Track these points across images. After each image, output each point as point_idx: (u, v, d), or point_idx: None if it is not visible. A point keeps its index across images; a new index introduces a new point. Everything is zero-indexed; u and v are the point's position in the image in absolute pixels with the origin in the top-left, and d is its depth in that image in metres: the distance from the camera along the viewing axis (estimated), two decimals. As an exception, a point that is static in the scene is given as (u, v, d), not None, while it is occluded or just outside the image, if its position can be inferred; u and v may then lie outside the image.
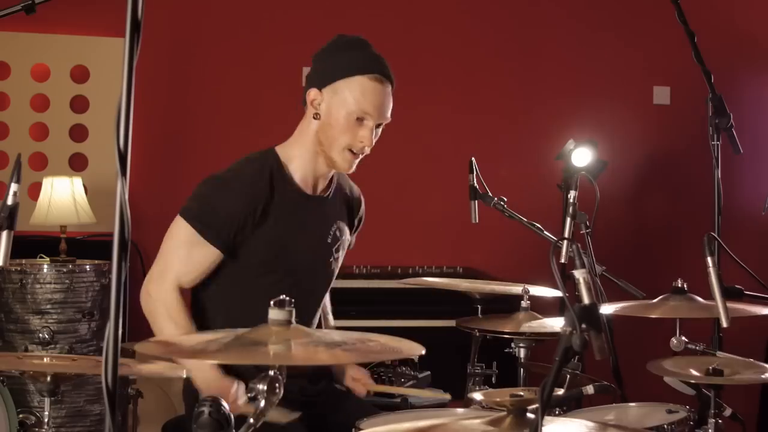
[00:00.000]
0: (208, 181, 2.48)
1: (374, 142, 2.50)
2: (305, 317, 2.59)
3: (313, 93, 2.48)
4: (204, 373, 2.37)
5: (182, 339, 1.70)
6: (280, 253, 2.48)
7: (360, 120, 2.46)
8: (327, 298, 2.78)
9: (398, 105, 5.04)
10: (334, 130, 2.46)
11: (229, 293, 2.50)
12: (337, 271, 2.69)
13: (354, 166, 2.53)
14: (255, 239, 2.45)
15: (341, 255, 2.69)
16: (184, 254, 2.42)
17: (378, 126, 2.50)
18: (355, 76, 2.45)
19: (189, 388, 2.56)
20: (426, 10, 4.86)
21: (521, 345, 2.64)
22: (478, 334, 2.68)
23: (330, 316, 2.84)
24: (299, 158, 2.52)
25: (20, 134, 4.47)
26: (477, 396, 1.99)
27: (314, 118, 2.49)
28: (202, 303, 2.54)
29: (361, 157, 2.52)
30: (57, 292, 3.64)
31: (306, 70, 4.91)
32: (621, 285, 3.00)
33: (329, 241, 2.61)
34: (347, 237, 2.70)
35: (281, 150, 2.55)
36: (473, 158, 2.96)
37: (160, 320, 2.41)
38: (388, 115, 2.51)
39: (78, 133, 4.55)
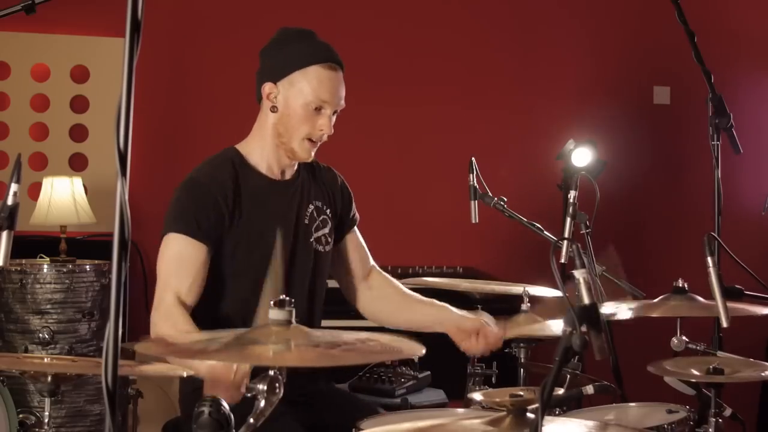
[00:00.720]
0: (175, 191, 2.51)
1: (332, 129, 2.53)
2: (300, 302, 2.58)
3: (268, 87, 2.51)
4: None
5: (182, 338, 1.70)
6: (258, 239, 2.48)
7: (318, 109, 2.49)
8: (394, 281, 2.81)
9: (398, 105, 5.06)
10: (292, 120, 2.50)
11: (220, 293, 2.49)
12: (330, 252, 2.68)
13: (313, 154, 2.55)
14: (234, 230, 2.46)
15: (328, 233, 2.66)
16: (176, 265, 2.40)
17: (334, 113, 2.53)
18: (310, 66, 2.48)
19: (185, 389, 2.56)
20: (426, 10, 4.86)
21: (521, 345, 2.64)
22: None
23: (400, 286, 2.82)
24: (260, 151, 2.56)
25: (20, 134, 4.46)
26: (477, 396, 1.99)
27: (271, 111, 2.52)
28: (198, 312, 2.47)
29: (319, 144, 2.55)
30: (57, 292, 3.64)
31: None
32: (621, 285, 3.00)
33: (306, 222, 2.60)
34: (331, 215, 2.68)
35: (241, 147, 2.59)
36: (473, 158, 2.96)
37: (163, 334, 2.31)
38: (343, 101, 2.54)
39: (78, 133, 4.55)
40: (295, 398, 2.42)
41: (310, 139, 2.51)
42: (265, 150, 2.56)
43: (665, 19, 3.18)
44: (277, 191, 2.57)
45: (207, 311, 2.46)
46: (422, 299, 2.76)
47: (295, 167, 2.63)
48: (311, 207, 2.63)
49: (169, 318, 2.34)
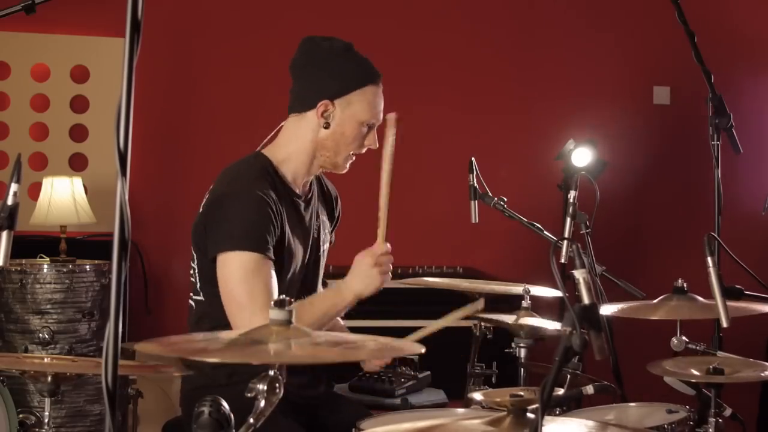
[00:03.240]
0: (225, 203, 2.43)
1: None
2: None
3: (324, 104, 2.49)
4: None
5: (181, 338, 1.70)
6: (287, 253, 2.49)
7: (368, 127, 2.54)
8: None
9: (398, 105, 5.04)
10: (347, 138, 2.51)
11: None
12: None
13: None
14: (278, 245, 2.45)
15: (326, 251, 2.71)
16: (256, 282, 2.35)
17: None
18: (366, 86, 2.51)
19: (186, 389, 2.56)
20: (426, 11, 4.86)
21: (521, 345, 2.64)
22: (478, 333, 2.68)
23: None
24: (293, 161, 2.54)
25: (20, 134, 4.46)
26: (477, 396, 1.99)
27: (324, 127, 2.51)
28: (218, 316, 2.46)
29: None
30: (57, 292, 3.64)
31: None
32: (621, 285, 3.00)
33: (316, 236, 2.64)
34: (329, 232, 2.73)
35: (270, 153, 2.56)
36: (473, 158, 2.96)
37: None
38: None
39: (78, 133, 4.55)
40: (296, 399, 2.43)
41: (353, 155, 2.57)
42: (298, 161, 2.55)
43: (665, 19, 3.18)
44: (301, 206, 2.58)
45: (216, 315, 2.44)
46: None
47: (311, 180, 2.64)
48: (320, 221, 2.66)
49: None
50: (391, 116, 2.48)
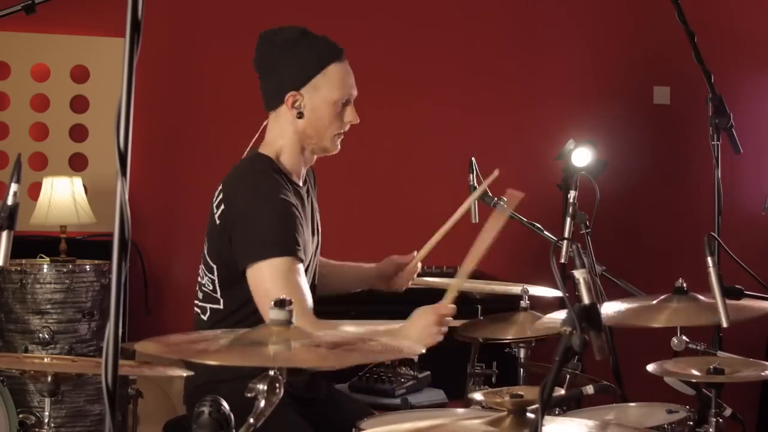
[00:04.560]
0: (251, 212, 2.42)
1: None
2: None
3: (291, 96, 2.51)
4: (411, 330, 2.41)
5: (181, 338, 1.70)
6: (305, 246, 2.50)
7: (344, 104, 2.55)
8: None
9: (399, 105, 5.06)
10: (324, 121, 2.53)
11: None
12: None
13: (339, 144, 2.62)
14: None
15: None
16: (294, 285, 2.35)
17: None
18: (328, 66, 2.52)
19: (190, 389, 2.56)
20: (425, 10, 4.86)
21: (521, 345, 2.64)
22: (482, 341, 2.69)
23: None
24: (287, 155, 2.56)
25: (20, 134, 4.46)
26: (477, 396, 1.99)
27: (298, 118, 2.52)
28: (241, 317, 2.48)
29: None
30: (57, 292, 3.64)
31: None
32: (621, 285, 3.00)
33: (317, 222, 2.69)
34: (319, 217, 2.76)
35: (266, 151, 2.57)
36: (473, 158, 2.96)
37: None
38: (356, 88, 2.60)
39: (78, 133, 4.54)
40: (297, 396, 2.43)
41: (338, 135, 2.57)
42: (291, 155, 2.57)
43: (665, 19, 3.18)
44: (304, 199, 2.59)
45: (249, 317, 2.44)
46: (344, 263, 2.92)
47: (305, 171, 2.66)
48: (315, 205, 2.70)
49: (321, 325, 2.30)
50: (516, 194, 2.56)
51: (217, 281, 2.49)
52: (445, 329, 2.44)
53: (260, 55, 2.59)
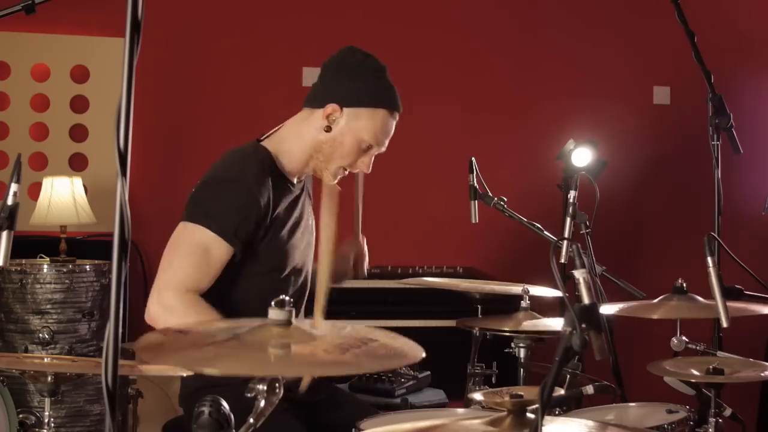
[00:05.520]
0: (210, 183, 2.44)
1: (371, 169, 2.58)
2: (301, 309, 2.65)
3: (332, 107, 2.48)
4: None
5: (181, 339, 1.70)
6: (289, 249, 2.50)
7: (367, 148, 2.52)
8: None
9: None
10: (342, 149, 2.50)
11: (244, 295, 2.48)
12: None
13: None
14: (266, 239, 2.45)
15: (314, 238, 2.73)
16: (199, 259, 2.36)
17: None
18: (381, 109, 2.50)
19: (185, 393, 2.56)
20: (425, 10, 4.86)
21: (521, 345, 2.64)
22: (477, 333, 2.69)
23: None
24: (291, 155, 2.54)
25: (20, 134, 4.47)
26: (477, 396, 1.99)
27: (325, 130, 2.50)
28: (228, 310, 2.46)
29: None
30: (57, 292, 3.64)
31: (307, 71, 4.89)
32: (621, 285, 3.00)
33: (310, 222, 2.67)
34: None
35: (269, 144, 2.56)
36: (473, 158, 2.96)
37: (189, 319, 2.28)
38: (386, 147, 2.58)
39: (78, 133, 4.55)
40: (297, 398, 2.42)
41: (344, 169, 2.55)
42: (296, 158, 2.55)
43: (665, 19, 3.18)
44: (298, 200, 2.59)
45: (223, 303, 2.44)
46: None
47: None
48: (310, 214, 2.69)
49: (194, 306, 2.32)
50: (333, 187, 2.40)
51: None
52: None
53: (335, 59, 2.55)
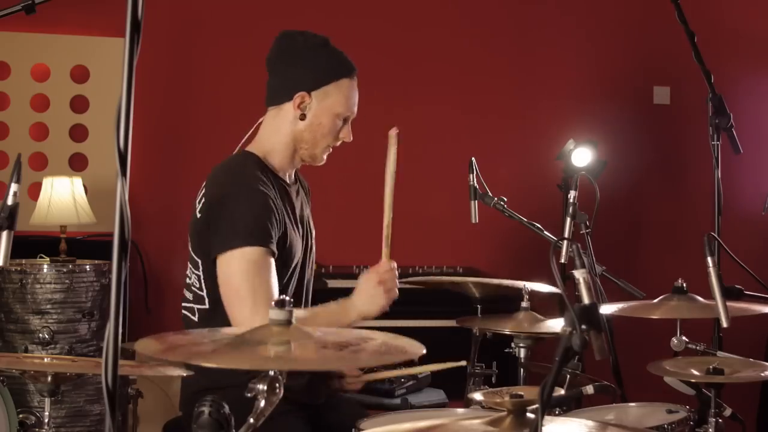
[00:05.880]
0: (226, 201, 2.42)
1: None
2: (304, 303, 2.64)
3: (300, 96, 2.52)
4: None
5: (181, 338, 1.70)
6: (290, 244, 2.50)
7: (344, 120, 2.57)
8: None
9: (399, 105, 5.06)
10: (323, 130, 2.54)
11: None
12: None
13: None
14: (281, 238, 2.46)
15: (314, 240, 2.73)
16: (266, 278, 2.35)
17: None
18: (342, 79, 2.54)
19: (186, 389, 2.56)
20: (425, 11, 4.86)
21: (521, 345, 2.64)
22: (477, 333, 2.68)
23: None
24: (277, 154, 2.57)
25: (20, 134, 4.46)
26: (477, 396, 1.99)
27: (300, 119, 2.53)
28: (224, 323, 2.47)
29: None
30: (57, 292, 3.64)
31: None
32: (621, 285, 3.00)
33: (308, 225, 2.68)
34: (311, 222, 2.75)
35: (254, 149, 2.58)
36: (473, 158, 2.96)
37: None
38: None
39: (78, 133, 4.55)
40: (297, 398, 2.43)
41: (330, 147, 2.59)
42: (281, 155, 2.57)
43: (665, 19, 3.18)
44: (292, 197, 2.60)
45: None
46: (316, 311, 2.64)
47: (294, 172, 2.67)
48: (307, 210, 2.70)
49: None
50: (393, 132, 2.50)
51: (202, 276, 2.48)
52: (393, 285, 2.47)
53: (277, 50, 2.58)
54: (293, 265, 2.52)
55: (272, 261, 2.39)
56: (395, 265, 2.49)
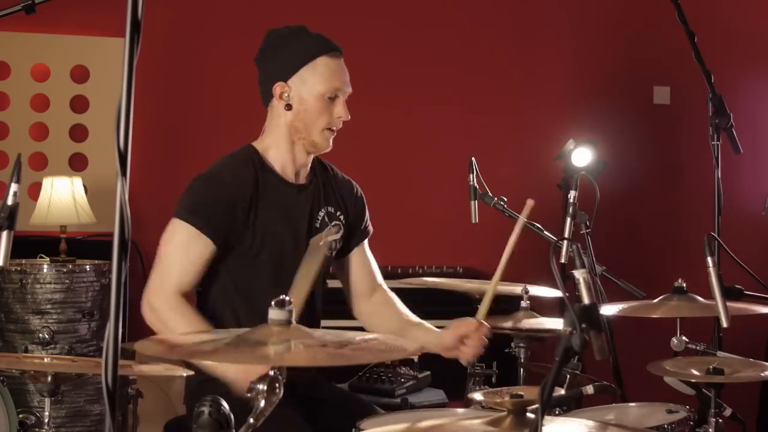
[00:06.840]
0: (195, 180, 2.52)
1: (348, 113, 2.58)
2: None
3: (279, 86, 2.54)
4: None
5: (183, 339, 1.70)
6: (268, 240, 2.50)
7: (332, 98, 2.54)
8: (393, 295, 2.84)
9: (399, 106, 5.06)
10: (311, 114, 2.53)
11: (228, 288, 2.53)
12: (333, 257, 2.69)
13: (331, 142, 2.59)
14: (246, 229, 2.48)
15: (338, 239, 2.66)
16: (183, 255, 2.44)
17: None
18: (317, 58, 2.53)
19: (190, 388, 2.56)
20: (426, 11, 4.86)
21: (521, 345, 2.64)
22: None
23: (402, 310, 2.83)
24: (275, 151, 2.58)
25: (20, 134, 4.46)
26: (477, 396, 1.99)
27: (286, 109, 2.54)
28: (209, 304, 2.55)
29: (335, 132, 2.59)
30: (57, 292, 3.64)
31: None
32: (621, 285, 3.00)
33: (317, 225, 2.62)
34: (344, 221, 2.68)
35: (257, 144, 2.61)
36: (473, 158, 2.96)
37: (173, 325, 2.38)
38: (350, 87, 2.59)
39: (78, 133, 4.55)
40: (296, 399, 2.43)
41: (329, 129, 2.56)
42: (280, 150, 2.58)
43: (665, 19, 3.18)
44: (292, 194, 2.58)
45: (226, 311, 2.52)
46: (416, 324, 2.75)
47: (309, 168, 2.64)
48: (323, 212, 2.64)
49: (175, 309, 2.40)
50: (530, 202, 2.57)
51: None
52: (480, 344, 2.50)
53: (260, 51, 2.63)
54: (267, 258, 2.51)
55: (203, 244, 2.42)
56: (488, 327, 2.53)
